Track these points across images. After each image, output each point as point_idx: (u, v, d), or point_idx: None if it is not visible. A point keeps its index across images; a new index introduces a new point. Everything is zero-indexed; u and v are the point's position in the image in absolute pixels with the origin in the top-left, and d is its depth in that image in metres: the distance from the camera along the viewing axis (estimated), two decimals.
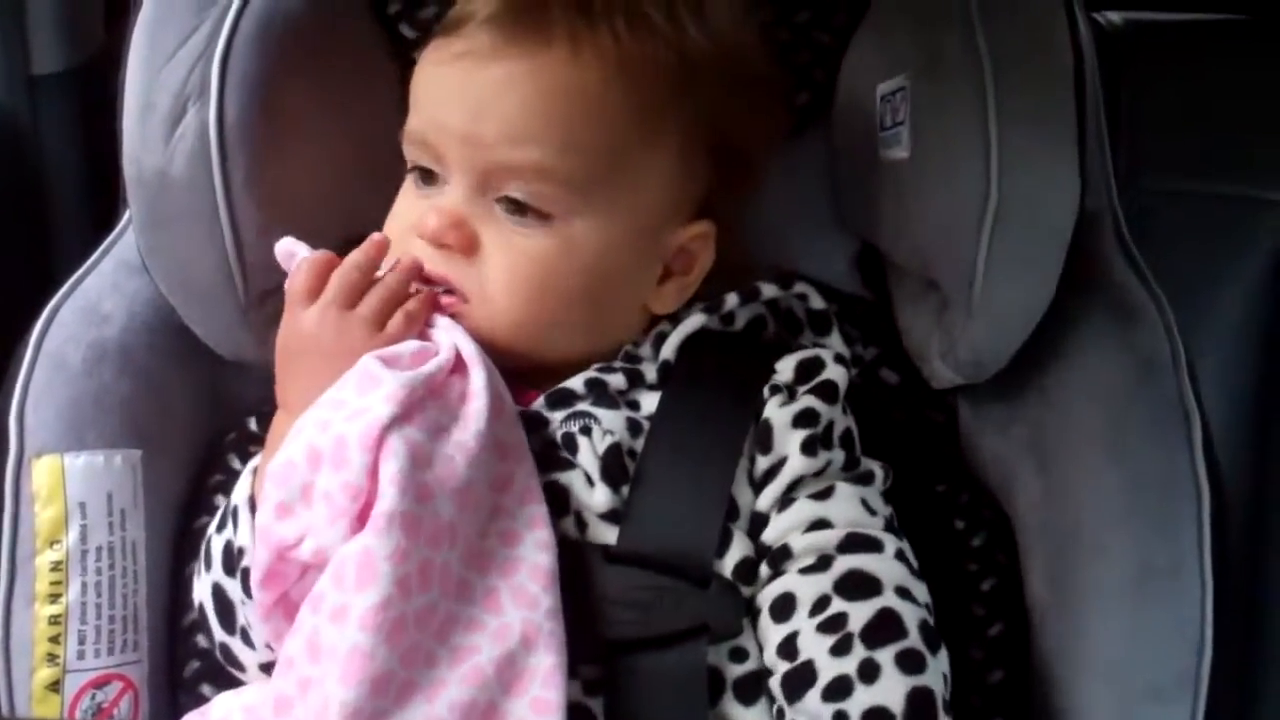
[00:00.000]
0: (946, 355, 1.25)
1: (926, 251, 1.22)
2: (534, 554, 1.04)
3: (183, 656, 1.24)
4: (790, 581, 1.09)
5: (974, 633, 1.23)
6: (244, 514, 1.10)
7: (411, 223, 1.14)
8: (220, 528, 1.13)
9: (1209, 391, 1.19)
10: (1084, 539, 1.17)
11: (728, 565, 1.10)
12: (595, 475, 1.11)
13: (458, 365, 1.08)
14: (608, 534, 1.09)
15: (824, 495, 1.12)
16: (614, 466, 1.11)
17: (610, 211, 1.14)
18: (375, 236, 1.13)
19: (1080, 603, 1.16)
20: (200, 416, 1.30)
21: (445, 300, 1.13)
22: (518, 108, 1.10)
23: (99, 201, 1.59)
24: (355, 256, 1.11)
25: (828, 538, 1.10)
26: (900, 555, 1.11)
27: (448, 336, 1.09)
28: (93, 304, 1.26)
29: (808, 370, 1.18)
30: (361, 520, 0.99)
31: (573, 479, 1.11)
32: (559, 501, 1.10)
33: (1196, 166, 1.64)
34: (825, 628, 1.06)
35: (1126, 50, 1.65)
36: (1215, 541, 1.13)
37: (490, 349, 1.13)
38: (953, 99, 1.17)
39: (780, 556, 1.11)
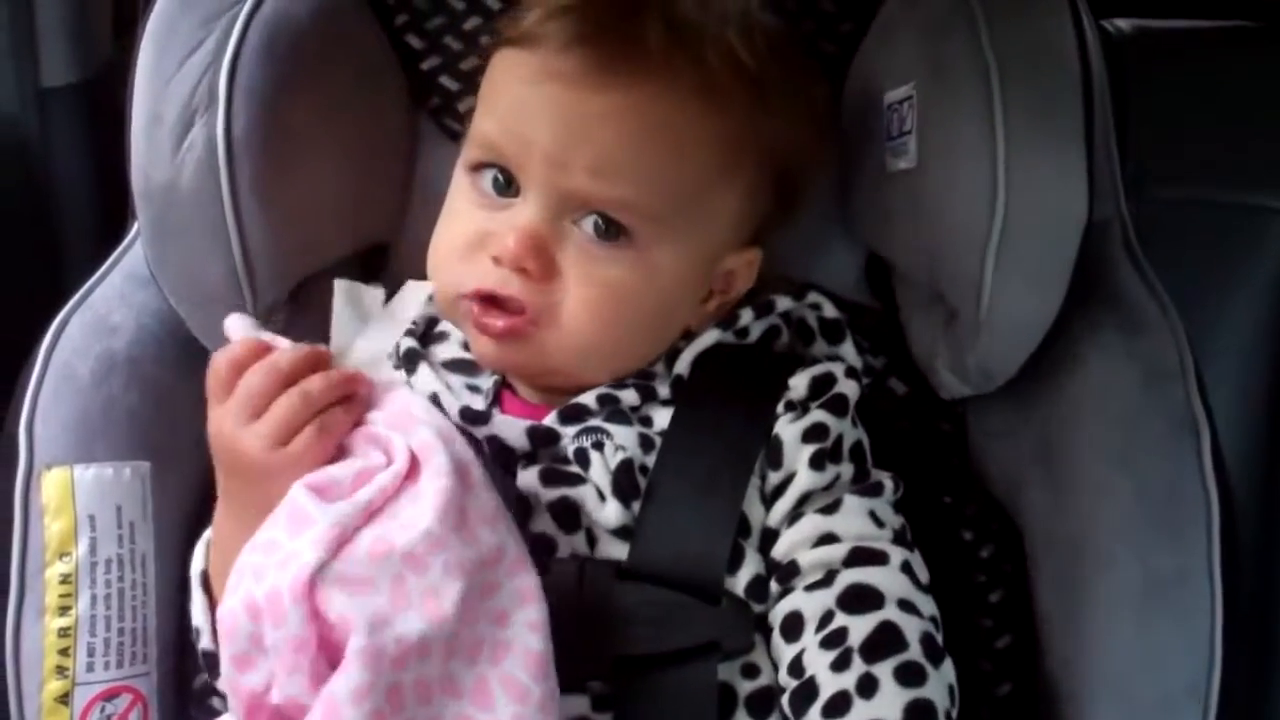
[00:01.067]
0: (954, 366, 1.25)
1: (934, 262, 1.22)
2: (525, 636, 1.00)
3: (192, 669, 1.23)
4: (798, 599, 1.09)
5: (982, 645, 1.23)
6: (197, 593, 1.10)
7: (477, 235, 1.13)
8: (191, 588, 1.14)
9: (1218, 400, 1.19)
10: (1092, 549, 1.16)
11: (740, 583, 1.10)
12: (607, 491, 1.11)
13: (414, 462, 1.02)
14: (619, 550, 1.10)
15: (831, 509, 1.12)
16: (626, 482, 1.11)
17: (686, 240, 1.14)
18: (304, 350, 1.06)
19: (1089, 613, 1.15)
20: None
21: (511, 323, 1.12)
22: (613, 142, 1.09)
23: (107, 213, 1.60)
24: (268, 361, 1.04)
25: (833, 553, 1.10)
26: (906, 568, 1.11)
27: (400, 437, 1.02)
28: (101, 316, 1.26)
29: (820, 385, 1.18)
30: (319, 663, 0.95)
31: (584, 494, 1.11)
32: (570, 517, 1.10)
33: (1205, 174, 1.63)
34: (827, 643, 1.06)
35: (1135, 58, 1.64)
36: (1224, 551, 1.13)
37: (541, 370, 1.14)
38: (959, 108, 1.16)
39: (789, 573, 1.11)
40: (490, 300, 1.12)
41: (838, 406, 1.16)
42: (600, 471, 1.11)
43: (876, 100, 1.26)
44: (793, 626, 1.09)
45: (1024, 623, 1.22)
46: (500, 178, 1.13)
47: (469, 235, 1.14)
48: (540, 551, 1.08)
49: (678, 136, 1.11)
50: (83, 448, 1.20)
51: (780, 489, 1.14)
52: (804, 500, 1.12)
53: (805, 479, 1.13)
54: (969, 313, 1.19)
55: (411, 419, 1.04)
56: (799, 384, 1.18)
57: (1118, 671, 1.13)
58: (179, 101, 1.18)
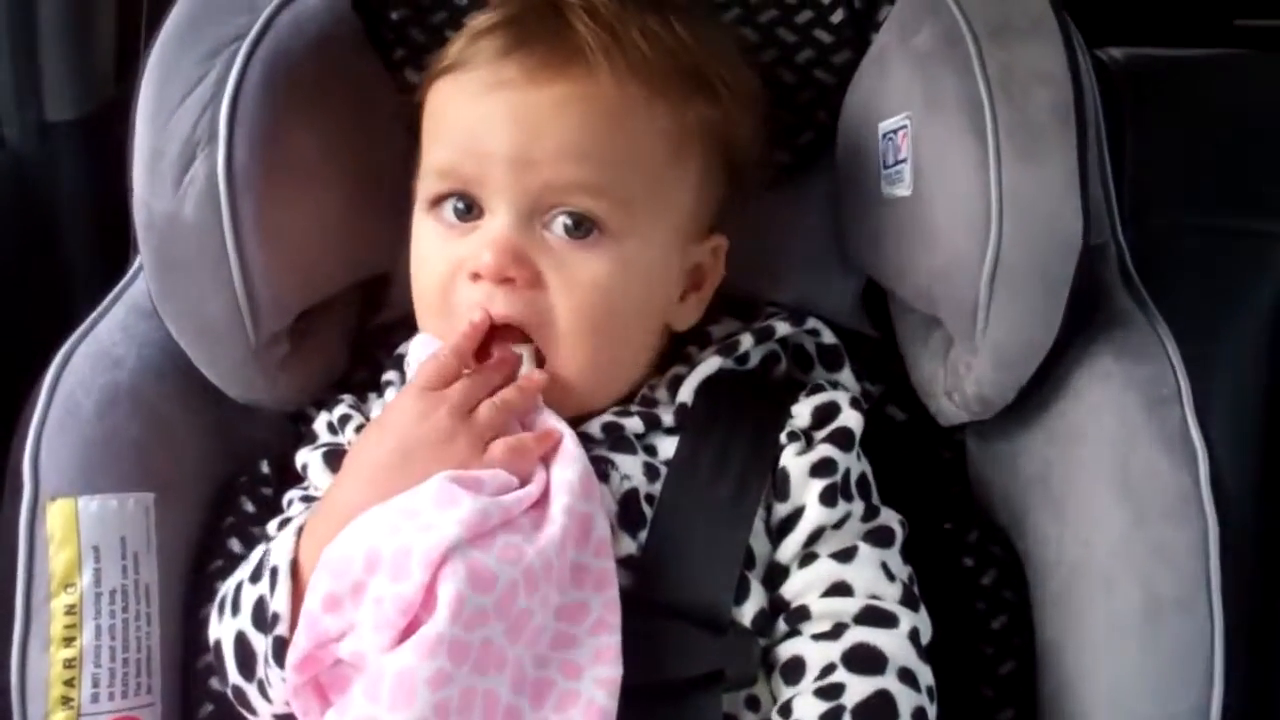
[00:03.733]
0: (953, 393, 1.25)
1: (930, 289, 1.22)
2: (592, 690, 1.02)
3: (197, 698, 1.23)
4: (803, 645, 1.10)
5: (984, 671, 1.23)
6: (284, 580, 1.07)
7: (452, 263, 1.14)
8: (255, 579, 1.11)
9: (1215, 423, 1.19)
10: (1092, 574, 1.16)
11: (746, 614, 1.10)
12: (614, 521, 1.11)
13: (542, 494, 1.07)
14: (624, 579, 1.09)
15: (846, 557, 1.13)
16: (631, 512, 1.12)
17: (653, 229, 1.16)
18: (535, 377, 1.13)
19: (1090, 638, 1.15)
20: (212, 459, 1.30)
21: (532, 379, 1.13)
22: (573, 128, 1.11)
23: (111, 247, 1.60)
24: (488, 370, 1.12)
25: (845, 606, 1.10)
26: (913, 635, 1.11)
27: (542, 470, 1.08)
28: (105, 348, 1.26)
29: (824, 415, 1.18)
30: (407, 632, 0.98)
31: None
32: None
33: (1201, 201, 1.63)
34: (822, 694, 1.07)
35: (1129, 85, 1.65)
36: (1224, 573, 1.12)
37: (558, 396, 1.14)
38: (953, 136, 1.17)
39: (798, 616, 1.11)
40: (491, 330, 1.13)
41: (843, 440, 1.17)
42: (606, 501, 1.11)
43: (871, 129, 1.27)
44: (793, 670, 1.09)
45: (1026, 649, 1.22)
46: (460, 204, 1.15)
47: (445, 267, 1.15)
48: None
49: (627, 123, 1.13)
50: (87, 479, 1.20)
51: (789, 523, 1.14)
52: (815, 538, 1.13)
53: (816, 515, 1.13)
54: (966, 339, 1.20)
55: (565, 454, 1.09)
56: (802, 412, 1.19)
57: (1120, 696, 1.13)
58: (181, 136, 1.19)
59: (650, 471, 1.15)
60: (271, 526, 1.21)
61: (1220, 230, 1.63)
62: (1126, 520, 1.16)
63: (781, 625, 1.11)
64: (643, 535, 1.11)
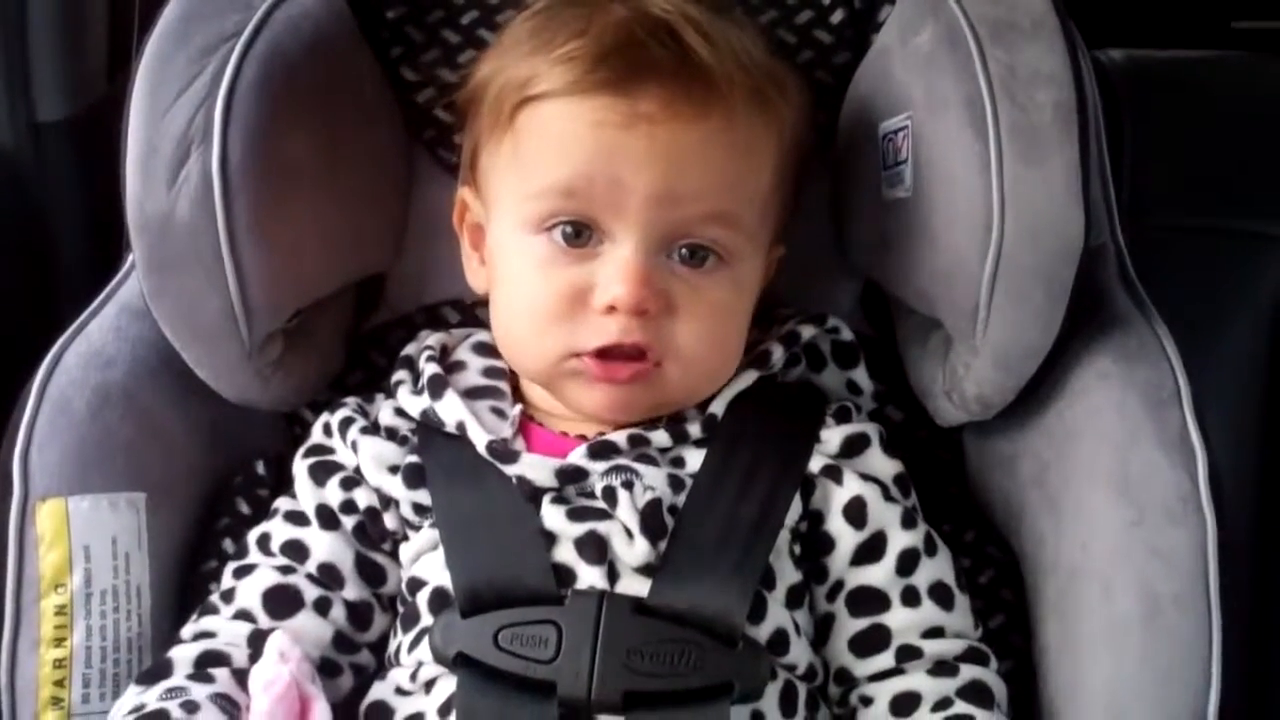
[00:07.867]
0: (952, 393, 1.25)
1: (930, 290, 1.22)
2: None
3: None
4: (916, 680, 1.14)
5: None
6: None
7: (573, 290, 1.13)
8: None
9: (1214, 424, 1.18)
10: (1090, 575, 1.16)
11: (762, 633, 1.11)
12: (635, 528, 1.11)
13: None
14: (640, 586, 1.10)
15: (946, 604, 1.17)
16: (654, 521, 1.12)
17: (759, 247, 1.19)
18: None
19: (1087, 638, 1.15)
20: (205, 460, 1.29)
21: (637, 369, 1.14)
22: (717, 165, 1.13)
23: (102, 246, 1.59)
24: None
25: (952, 646, 1.16)
26: (998, 670, 1.18)
27: None
28: (96, 348, 1.25)
29: (852, 446, 1.20)
30: None
31: (611, 530, 1.11)
32: (595, 550, 1.10)
33: (1199, 202, 1.64)
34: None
35: (1128, 86, 1.65)
36: (1223, 574, 1.12)
37: (659, 406, 1.18)
38: (954, 137, 1.17)
39: (906, 654, 1.15)
40: (607, 352, 1.13)
41: (884, 482, 1.20)
42: (628, 510, 1.12)
43: (872, 130, 1.27)
44: (907, 703, 1.14)
45: (1023, 648, 1.23)
46: (569, 229, 1.14)
47: (562, 292, 1.14)
48: (560, 581, 1.09)
49: (753, 147, 1.15)
50: (78, 479, 1.19)
51: (872, 549, 1.17)
52: (911, 564, 1.16)
53: (902, 538, 1.17)
54: (966, 340, 1.20)
55: None
56: (831, 439, 1.20)
57: (1117, 697, 1.13)
58: (174, 134, 1.17)
59: (675, 483, 1.15)
60: (252, 536, 1.21)
61: (1219, 231, 1.63)
62: (1125, 520, 1.16)
63: (886, 659, 1.15)
64: (662, 544, 1.11)
